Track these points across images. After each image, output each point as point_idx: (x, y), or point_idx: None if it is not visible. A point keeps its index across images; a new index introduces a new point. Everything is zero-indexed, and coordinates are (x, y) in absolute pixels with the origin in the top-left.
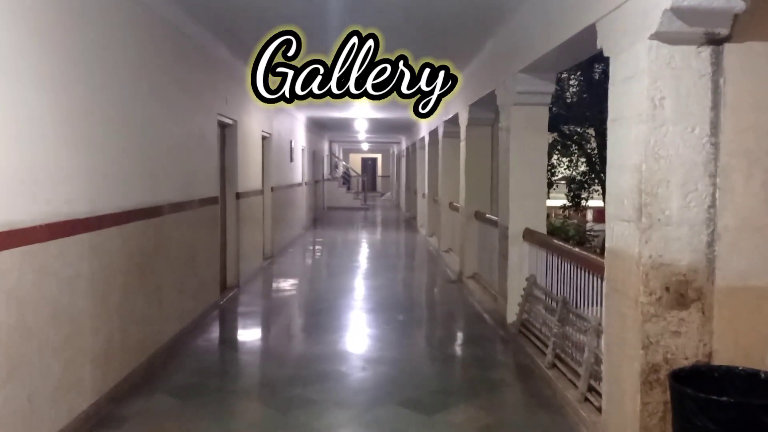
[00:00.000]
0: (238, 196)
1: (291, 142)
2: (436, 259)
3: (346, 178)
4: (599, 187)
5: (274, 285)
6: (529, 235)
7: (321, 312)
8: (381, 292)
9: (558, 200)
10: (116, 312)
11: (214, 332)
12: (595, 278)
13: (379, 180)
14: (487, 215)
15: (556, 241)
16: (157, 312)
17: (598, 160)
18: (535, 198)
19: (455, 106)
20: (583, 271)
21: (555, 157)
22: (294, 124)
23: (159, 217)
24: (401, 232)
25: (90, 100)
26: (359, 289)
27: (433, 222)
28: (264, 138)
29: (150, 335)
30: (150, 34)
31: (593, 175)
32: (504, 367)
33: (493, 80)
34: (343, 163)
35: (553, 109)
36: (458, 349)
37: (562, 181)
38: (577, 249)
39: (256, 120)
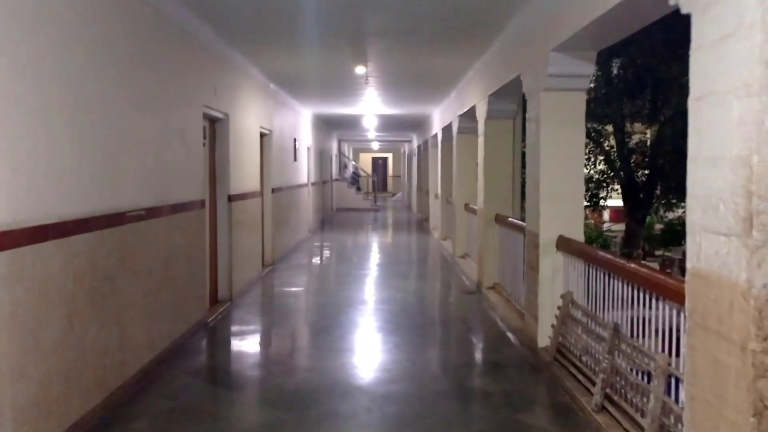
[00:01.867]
0: (230, 198)
1: (295, 140)
2: (451, 265)
3: (355, 179)
4: (618, 186)
5: (272, 298)
6: (564, 244)
7: (323, 332)
8: (391, 305)
9: None
10: (54, 350)
11: (196, 359)
12: (659, 302)
13: (390, 180)
14: (510, 219)
15: (600, 252)
16: (118, 341)
17: (616, 157)
18: (571, 200)
19: (471, 97)
20: (638, 291)
21: None
22: (298, 120)
23: (122, 225)
24: (413, 235)
25: (20, 75)
26: (367, 302)
27: (447, 225)
28: (263, 135)
29: (109, 371)
30: (115, 10)
31: (611, 174)
32: (539, 407)
33: (519, 64)
34: (353, 162)
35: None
36: (481, 381)
37: None
38: (633, 265)
39: (253, 115)
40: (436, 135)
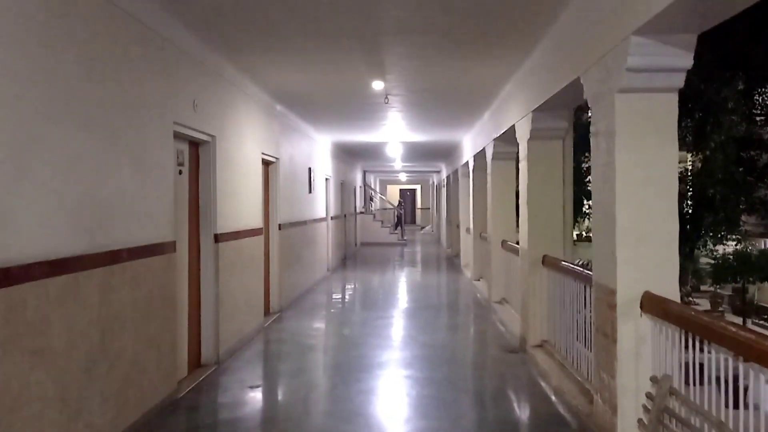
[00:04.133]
0: (217, 238)
1: (310, 169)
2: (487, 313)
3: (399, 220)
4: None
5: (269, 358)
6: (654, 305)
7: (329, 414)
8: (416, 370)
9: None
10: None
11: None
12: None
13: (418, 212)
14: (564, 263)
15: (721, 323)
16: None
17: None
18: (663, 243)
19: (510, 115)
20: None
21: None
22: (313, 148)
23: (15, 285)
24: (442, 273)
25: None
26: (386, 365)
27: (481, 263)
28: (268, 163)
29: None
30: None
31: None
32: None
33: (577, 64)
34: (380, 195)
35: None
36: None
37: None
38: None
39: (251, 139)
40: (466, 163)
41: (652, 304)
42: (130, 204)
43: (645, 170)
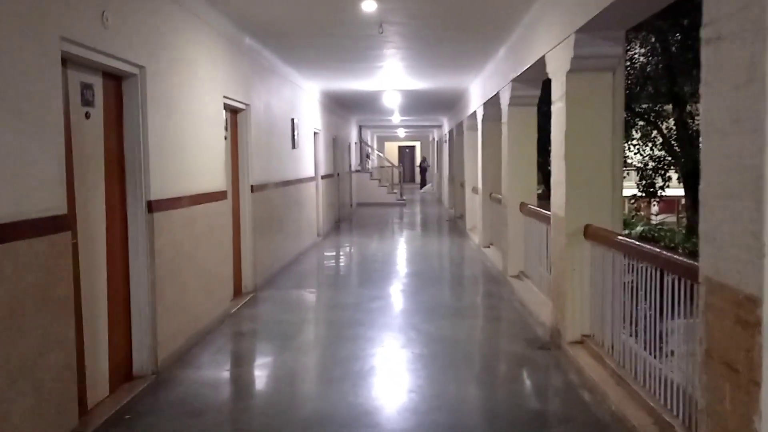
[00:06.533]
0: (152, 207)
1: (293, 121)
2: (503, 291)
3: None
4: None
5: (227, 364)
6: None
7: None
8: (417, 378)
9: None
10: None
11: None
12: None
13: (417, 170)
14: (621, 238)
15: None
16: None
17: (676, 141)
18: None
19: (537, 45)
20: None
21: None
22: (298, 96)
23: None
24: (445, 238)
25: None
26: (377, 372)
27: (492, 228)
28: (235, 110)
29: None
30: None
31: (671, 160)
32: None
33: None
34: (378, 152)
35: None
36: None
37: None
38: None
39: (207, 77)
40: (474, 114)
41: None
42: None
43: None
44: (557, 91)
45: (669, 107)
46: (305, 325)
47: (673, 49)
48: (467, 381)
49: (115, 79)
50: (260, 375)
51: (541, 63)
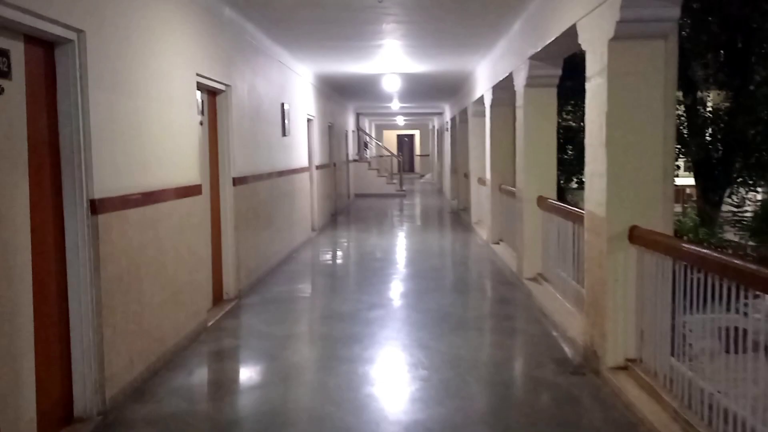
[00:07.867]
0: (95, 207)
1: (283, 106)
2: (519, 297)
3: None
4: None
5: (195, 401)
6: None
7: None
8: (429, 422)
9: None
10: None
11: None
12: None
13: (417, 160)
14: (687, 245)
15: None
16: None
17: (687, 128)
18: None
19: (566, 12)
20: None
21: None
22: (289, 79)
23: None
24: (449, 232)
25: None
26: (380, 405)
27: (501, 223)
28: (214, 92)
29: None
30: None
31: (680, 147)
32: None
33: None
34: (376, 141)
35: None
36: None
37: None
38: None
39: (173, 49)
40: (481, 99)
41: None
42: None
43: None
44: (595, 64)
45: (680, 94)
46: (293, 342)
47: (684, 33)
48: (494, 426)
49: (44, 46)
50: (233, 413)
51: (569, 34)
